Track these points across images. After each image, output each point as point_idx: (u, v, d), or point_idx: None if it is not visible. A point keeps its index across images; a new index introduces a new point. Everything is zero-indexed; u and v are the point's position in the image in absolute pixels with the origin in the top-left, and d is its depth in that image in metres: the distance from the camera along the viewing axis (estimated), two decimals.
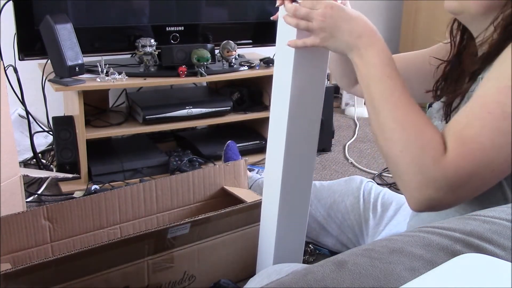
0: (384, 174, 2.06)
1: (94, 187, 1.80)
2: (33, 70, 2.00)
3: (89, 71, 1.89)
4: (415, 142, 0.73)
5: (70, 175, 1.83)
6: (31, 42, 1.82)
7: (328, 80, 3.06)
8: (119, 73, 1.86)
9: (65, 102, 2.10)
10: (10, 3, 1.76)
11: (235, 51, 2.07)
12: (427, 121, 0.76)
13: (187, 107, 2.01)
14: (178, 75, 1.94)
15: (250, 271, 1.24)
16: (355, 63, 0.81)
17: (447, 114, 0.89)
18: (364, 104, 0.82)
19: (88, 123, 1.90)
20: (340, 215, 1.37)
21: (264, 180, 1.08)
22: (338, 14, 0.79)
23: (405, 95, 0.78)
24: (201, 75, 1.96)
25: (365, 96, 0.80)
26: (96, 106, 2.06)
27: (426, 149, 0.71)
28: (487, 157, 0.69)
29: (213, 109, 2.07)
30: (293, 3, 0.83)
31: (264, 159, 2.18)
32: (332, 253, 1.40)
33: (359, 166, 2.15)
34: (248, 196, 1.42)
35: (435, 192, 0.70)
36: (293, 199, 1.05)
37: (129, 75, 1.90)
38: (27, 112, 1.94)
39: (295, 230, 1.08)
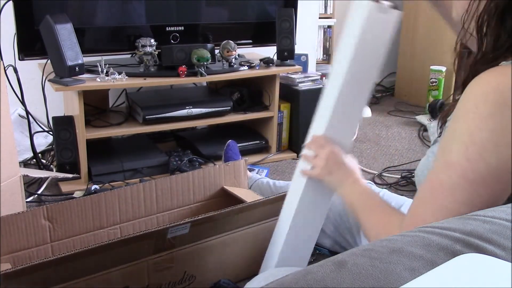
0: (384, 174, 2.06)
1: (94, 187, 1.80)
2: (33, 70, 2.00)
3: (89, 71, 1.89)
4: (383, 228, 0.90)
5: (70, 175, 1.83)
6: (31, 42, 1.82)
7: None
8: (119, 73, 1.86)
9: (65, 102, 2.10)
10: (10, 3, 1.76)
11: (235, 51, 2.06)
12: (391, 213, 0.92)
13: (187, 107, 2.01)
14: (178, 75, 1.94)
15: (250, 271, 1.24)
16: (341, 194, 1.03)
17: (440, 127, 0.92)
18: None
19: (88, 123, 1.90)
20: (337, 216, 1.37)
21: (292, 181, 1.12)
22: (336, 159, 1.03)
23: (375, 207, 0.96)
24: (201, 75, 1.96)
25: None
26: (96, 106, 2.06)
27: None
28: None
29: (213, 109, 2.07)
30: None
31: (264, 159, 2.19)
32: (332, 253, 1.40)
33: (359, 166, 2.15)
34: (248, 196, 1.42)
35: None
36: (314, 202, 1.09)
37: (129, 75, 1.90)
38: (27, 112, 1.94)
39: (307, 235, 1.11)
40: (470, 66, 0.81)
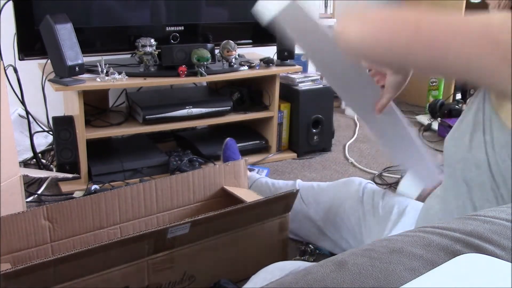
0: (384, 174, 2.06)
1: (94, 187, 1.80)
2: (33, 70, 2.00)
3: (89, 71, 1.89)
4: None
5: (70, 175, 1.83)
6: (31, 42, 1.82)
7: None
8: (119, 73, 1.86)
9: (65, 102, 2.10)
10: (10, 3, 1.76)
11: (235, 51, 2.07)
12: None
13: (187, 107, 2.01)
14: (178, 75, 1.94)
15: (250, 271, 1.24)
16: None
17: None
18: None
19: (88, 123, 1.90)
20: (339, 219, 1.35)
21: None
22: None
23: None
24: (201, 75, 1.96)
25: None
26: (96, 106, 2.06)
27: None
28: None
29: (213, 109, 2.07)
30: None
31: (264, 159, 2.19)
32: (332, 253, 1.40)
33: (359, 166, 2.15)
34: (248, 196, 1.42)
35: None
36: None
37: (129, 75, 1.90)
38: (27, 112, 1.94)
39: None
40: None
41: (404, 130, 0.99)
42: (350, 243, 1.34)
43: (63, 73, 1.74)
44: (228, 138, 1.98)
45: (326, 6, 3.15)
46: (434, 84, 2.94)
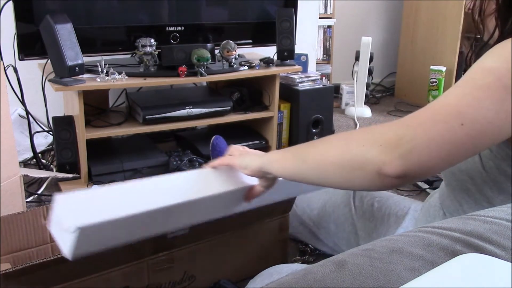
0: None
1: (94, 187, 1.80)
2: (33, 70, 2.00)
3: (89, 71, 1.89)
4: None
5: (70, 175, 1.83)
6: (31, 42, 1.82)
7: (328, 79, 3.07)
8: (119, 73, 1.86)
9: (65, 102, 2.10)
10: (10, 3, 1.76)
11: (235, 51, 2.06)
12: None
13: (187, 107, 2.01)
14: (178, 75, 1.94)
15: (250, 271, 1.24)
16: (272, 173, 0.89)
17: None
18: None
19: (88, 123, 1.90)
20: (333, 226, 1.34)
21: None
22: (244, 150, 0.99)
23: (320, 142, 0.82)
24: (201, 75, 1.96)
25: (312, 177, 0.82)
26: (96, 106, 2.06)
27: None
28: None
29: (213, 109, 2.07)
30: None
31: None
32: (332, 254, 1.40)
33: None
34: None
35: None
36: None
37: (129, 75, 1.90)
38: (27, 112, 1.94)
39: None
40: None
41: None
42: (345, 250, 1.31)
43: (63, 73, 1.74)
44: (213, 137, 1.97)
45: (326, 6, 3.15)
46: (434, 84, 2.94)
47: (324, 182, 0.79)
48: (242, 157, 0.94)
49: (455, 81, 3.04)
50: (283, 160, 0.85)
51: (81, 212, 0.77)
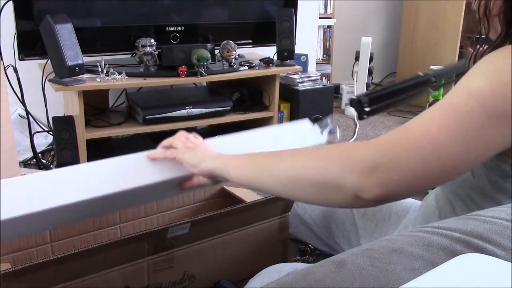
0: None
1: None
2: (33, 70, 2.00)
3: (89, 71, 1.89)
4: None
5: None
6: (31, 42, 1.82)
7: (328, 80, 3.07)
8: (119, 73, 1.86)
9: (65, 102, 2.09)
10: (10, 3, 1.76)
11: (235, 51, 2.06)
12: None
13: (187, 107, 2.01)
14: (178, 75, 1.94)
15: (250, 271, 1.24)
16: (226, 178, 0.88)
17: None
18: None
19: (88, 123, 1.90)
20: (334, 225, 1.33)
21: None
22: (192, 139, 0.96)
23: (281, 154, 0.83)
24: (201, 75, 1.96)
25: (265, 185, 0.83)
26: (96, 106, 2.06)
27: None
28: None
29: (213, 109, 2.07)
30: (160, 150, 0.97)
31: None
32: (332, 254, 1.39)
33: None
34: (248, 196, 1.42)
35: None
36: None
37: (129, 75, 1.90)
38: (27, 112, 1.94)
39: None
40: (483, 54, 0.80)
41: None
42: (346, 250, 1.31)
43: (63, 73, 1.74)
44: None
45: (326, 6, 3.15)
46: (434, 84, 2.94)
47: (293, 197, 0.81)
48: (190, 154, 0.91)
49: (455, 82, 3.04)
50: (243, 168, 0.84)
51: (6, 202, 0.80)
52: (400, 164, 0.69)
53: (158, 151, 0.96)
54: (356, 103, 1.01)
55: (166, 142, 0.98)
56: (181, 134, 0.98)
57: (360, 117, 1.05)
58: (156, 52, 1.97)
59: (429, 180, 0.71)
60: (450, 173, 0.72)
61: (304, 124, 1.13)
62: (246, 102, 2.19)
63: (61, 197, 0.85)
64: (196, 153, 0.91)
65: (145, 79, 1.91)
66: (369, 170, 0.69)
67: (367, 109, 1.00)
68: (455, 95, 0.72)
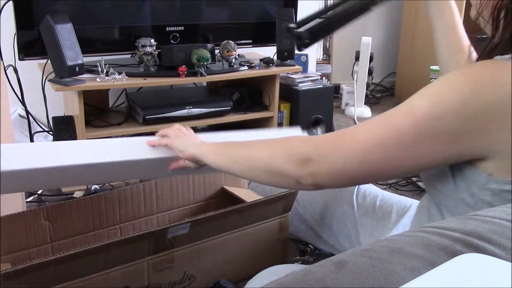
0: None
1: (94, 187, 1.79)
2: (33, 70, 2.00)
3: (89, 71, 1.89)
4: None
5: None
6: (31, 42, 1.82)
7: (328, 80, 3.07)
8: (119, 73, 1.86)
9: (65, 102, 2.10)
10: (10, 3, 1.76)
11: (235, 51, 2.06)
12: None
13: (187, 107, 2.01)
14: (178, 75, 1.94)
15: (250, 271, 1.24)
16: (206, 163, 1.03)
17: None
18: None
19: (88, 123, 1.90)
20: (335, 223, 1.33)
21: None
22: (182, 130, 1.14)
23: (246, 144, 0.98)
24: (201, 75, 1.96)
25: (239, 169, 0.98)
26: (96, 106, 2.06)
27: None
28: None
29: (213, 109, 2.07)
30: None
31: None
32: (332, 253, 1.39)
33: None
34: (248, 196, 1.42)
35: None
36: None
37: (129, 75, 1.90)
38: (27, 112, 1.94)
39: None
40: (486, 54, 0.82)
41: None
42: (346, 247, 1.32)
43: (63, 73, 1.74)
44: None
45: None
46: None
47: (255, 180, 1.00)
48: (179, 141, 1.08)
49: None
50: (218, 155, 0.99)
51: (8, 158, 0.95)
52: (327, 161, 0.81)
53: (156, 138, 1.14)
54: (296, 37, 1.09)
55: (162, 131, 1.15)
56: (175, 126, 1.15)
57: (299, 49, 1.16)
58: (156, 52, 1.97)
59: (352, 179, 0.82)
60: (371, 177, 0.83)
61: (294, 131, 1.29)
62: (246, 102, 2.19)
63: (61, 159, 1.00)
64: (183, 140, 1.08)
65: (145, 79, 1.91)
66: (304, 162, 0.83)
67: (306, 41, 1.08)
68: (398, 109, 0.79)
